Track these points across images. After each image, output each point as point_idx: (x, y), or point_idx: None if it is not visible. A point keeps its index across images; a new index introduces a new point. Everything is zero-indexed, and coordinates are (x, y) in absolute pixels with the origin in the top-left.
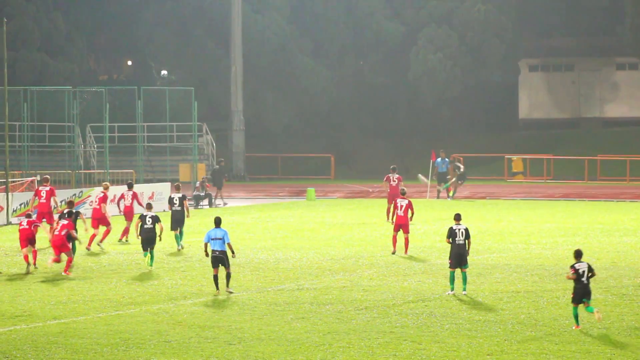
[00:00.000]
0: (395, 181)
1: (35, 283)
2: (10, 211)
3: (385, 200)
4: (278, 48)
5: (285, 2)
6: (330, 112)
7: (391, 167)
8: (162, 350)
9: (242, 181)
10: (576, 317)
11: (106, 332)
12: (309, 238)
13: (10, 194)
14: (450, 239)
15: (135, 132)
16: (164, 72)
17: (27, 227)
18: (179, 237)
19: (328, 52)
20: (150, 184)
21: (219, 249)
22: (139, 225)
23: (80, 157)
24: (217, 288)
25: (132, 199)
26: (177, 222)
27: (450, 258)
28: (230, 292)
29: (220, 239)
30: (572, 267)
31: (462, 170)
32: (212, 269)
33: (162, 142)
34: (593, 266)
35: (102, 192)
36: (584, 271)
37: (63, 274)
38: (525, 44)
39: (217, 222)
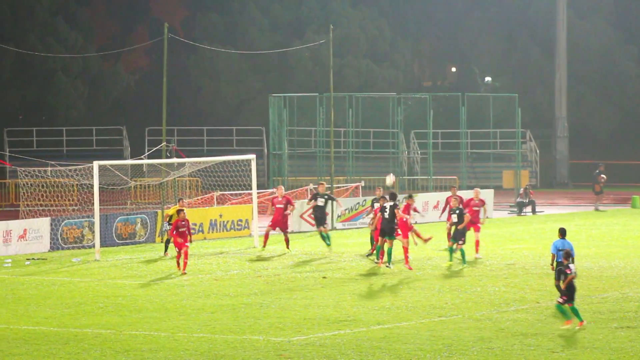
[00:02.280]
0: None
1: (358, 288)
2: (335, 217)
3: None
4: (603, 54)
5: (612, 8)
6: None
7: None
8: (484, 357)
9: (566, 188)
10: (576, 313)
11: (429, 338)
12: (633, 246)
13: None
14: None
15: (459, 139)
16: (487, 78)
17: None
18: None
19: None
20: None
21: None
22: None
23: (404, 163)
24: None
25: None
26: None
27: None
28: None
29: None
30: (567, 267)
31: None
32: (553, 280)
33: (485, 149)
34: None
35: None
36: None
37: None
38: None
39: (563, 233)
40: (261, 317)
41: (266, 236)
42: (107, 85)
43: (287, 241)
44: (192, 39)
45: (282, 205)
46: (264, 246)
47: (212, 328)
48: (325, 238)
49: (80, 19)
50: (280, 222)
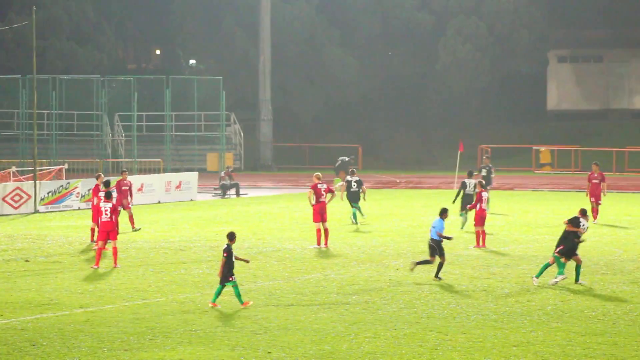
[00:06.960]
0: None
1: (61, 272)
2: (37, 200)
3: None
4: (307, 38)
5: None
6: (358, 102)
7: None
8: (188, 340)
9: (270, 171)
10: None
11: (132, 321)
12: (336, 228)
13: (38, 182)
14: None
15: (164, 122)
16: (192, 61)
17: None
18: None
19: (357, 42)
20: (178, 173)
21: (432, 238)
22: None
23: (108, 146)
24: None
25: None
26: None
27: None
28: (439, 279)
29: (433, 227)
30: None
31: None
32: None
33: (190, 132)
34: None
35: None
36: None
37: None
38: (554, 35)
39: (442, 212)
40: None
41: None
42: None
43: None
44: None
45: None
46: None
47: None
48: None
49: None
50: None
